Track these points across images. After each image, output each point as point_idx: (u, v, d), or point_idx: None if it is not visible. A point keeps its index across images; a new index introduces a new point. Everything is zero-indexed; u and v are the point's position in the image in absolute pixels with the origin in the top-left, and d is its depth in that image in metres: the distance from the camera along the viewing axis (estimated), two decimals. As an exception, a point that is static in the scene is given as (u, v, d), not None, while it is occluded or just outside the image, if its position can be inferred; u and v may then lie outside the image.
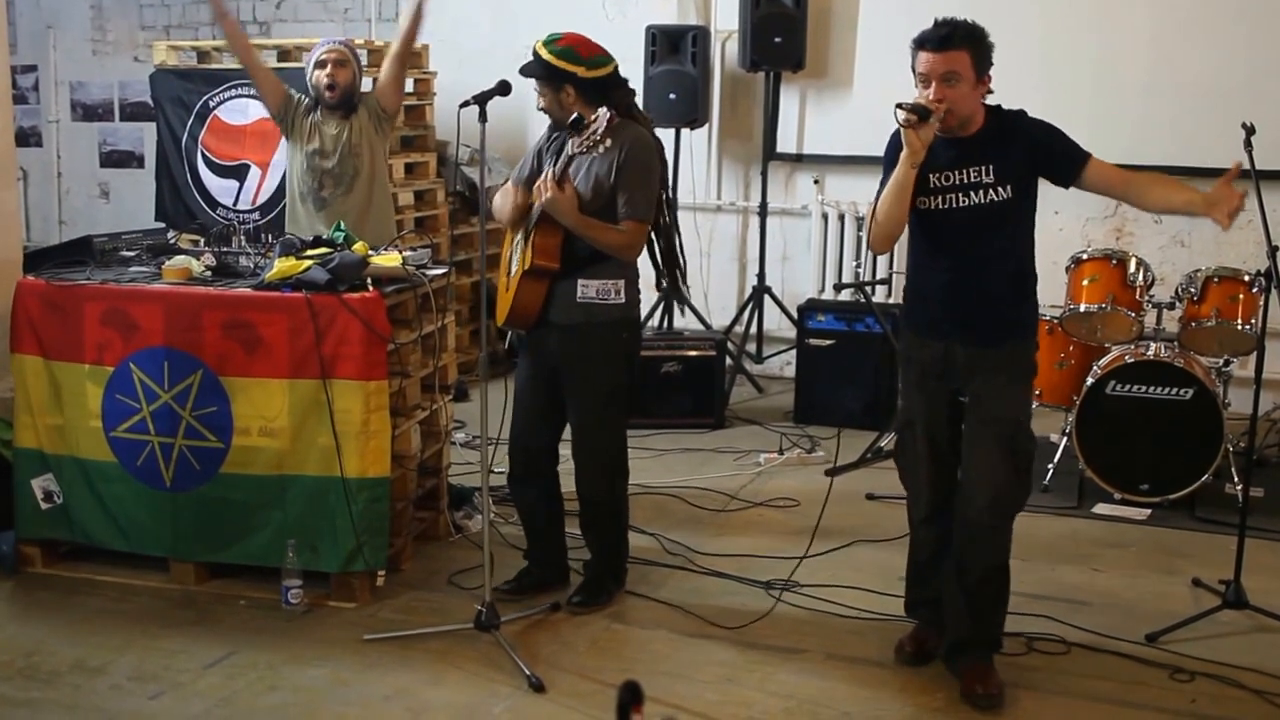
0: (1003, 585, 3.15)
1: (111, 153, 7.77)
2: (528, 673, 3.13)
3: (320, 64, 4.37)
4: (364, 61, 5.77)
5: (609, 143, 3.30)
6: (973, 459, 3.08)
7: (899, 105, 2.92)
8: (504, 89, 3.18)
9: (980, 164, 3.00)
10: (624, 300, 3.49)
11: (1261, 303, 4.29)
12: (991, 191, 2.99)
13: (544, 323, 3.48)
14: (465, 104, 3.12)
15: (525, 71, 3.44)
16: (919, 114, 2.89)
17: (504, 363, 6.04)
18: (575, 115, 3.31)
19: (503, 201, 3.56)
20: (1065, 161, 3.01)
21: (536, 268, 3.41)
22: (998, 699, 3.05)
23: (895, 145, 3.04)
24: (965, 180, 3.01)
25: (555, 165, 3.38)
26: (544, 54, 3.40)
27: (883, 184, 3.06)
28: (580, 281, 3.42)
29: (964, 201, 3.01)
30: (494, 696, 3.09)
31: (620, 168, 3.36)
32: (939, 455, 3.18)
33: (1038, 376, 4.87)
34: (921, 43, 2.98)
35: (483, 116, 3.13)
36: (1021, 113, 3.07)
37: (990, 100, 3.07)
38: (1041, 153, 3.00)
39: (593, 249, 3.41)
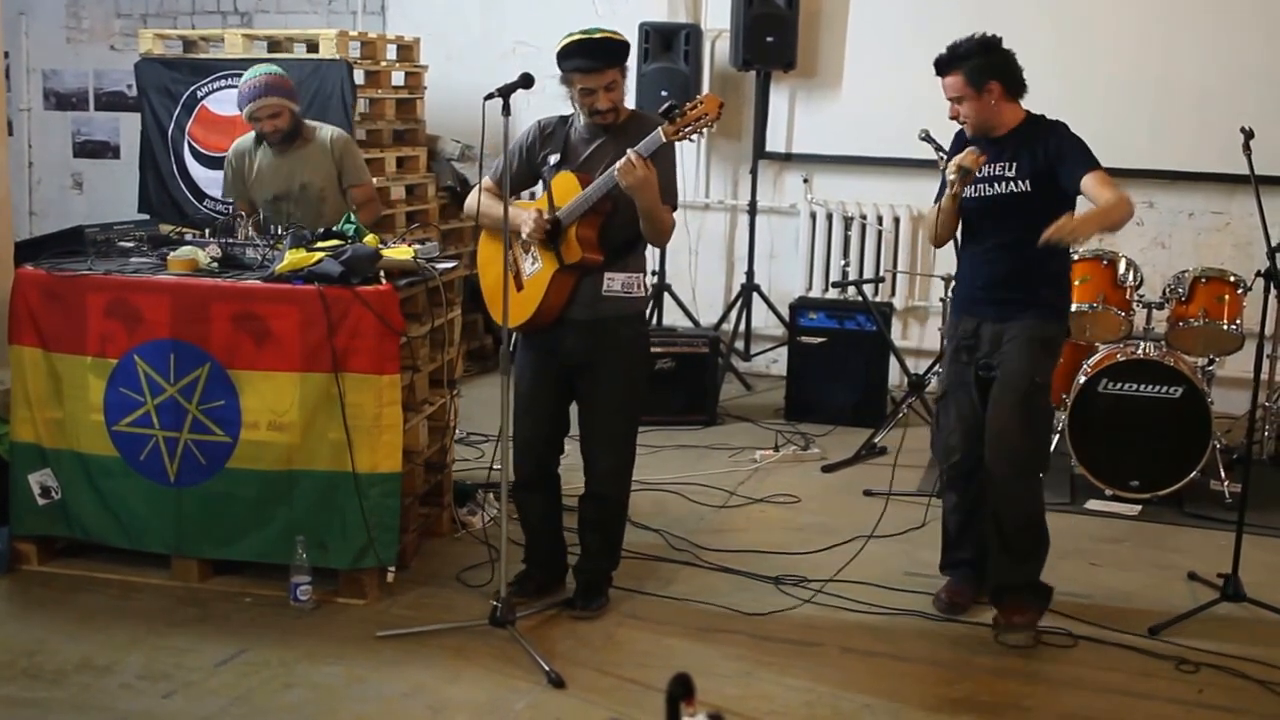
0: (1037, 537, 3.48)
1: (86, 143, 7.62)
2: (547, 668, 3.12)
3: (254, 119, 4.29)
4: (357, 53, 5.75)
5: (629, 129, 3.28)
6: (989, 416, 3.42)
7: (950, 169, 3.37)
8: (527, 82, 3.15)
9: (1007, 160, 3.40)
10: (645, 294, 3.47)
11: (1258, 303, 4.37)
12: (1012, 184, 3.38)
13: (559, 320, 3.40)
14: (490, 96, 3.08)
15: (610, 58, 3.25)
16: (963, 174, 3.35)
17: (493, 358, 6.00)
18: (670, 104, 3.23)
19: (521, 213, 3.34)
20: (1068, 168, 3.31)
21: (585, 262, 3.31)
22: (1021, 628, 3.37)
23: (956, 148, 3.53)
24: (992, 173, 3.41)
25: (606, 151, 3.30)
26: (605, 35, 3.25)
27: (943, 186, 3.52)
28: (607, 275, 3.35)
29: (989, 191, 3.42)
30: (514, 692, 3.07)
31: (657, 153, 3.23)
32: (967, 419, 3.55)
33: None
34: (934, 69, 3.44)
35: (506, 110, 3.10)
36: (1059, 123, 3.43)
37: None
38: (1054, 155, 3.35)
39: (622, 240, 3.36)
